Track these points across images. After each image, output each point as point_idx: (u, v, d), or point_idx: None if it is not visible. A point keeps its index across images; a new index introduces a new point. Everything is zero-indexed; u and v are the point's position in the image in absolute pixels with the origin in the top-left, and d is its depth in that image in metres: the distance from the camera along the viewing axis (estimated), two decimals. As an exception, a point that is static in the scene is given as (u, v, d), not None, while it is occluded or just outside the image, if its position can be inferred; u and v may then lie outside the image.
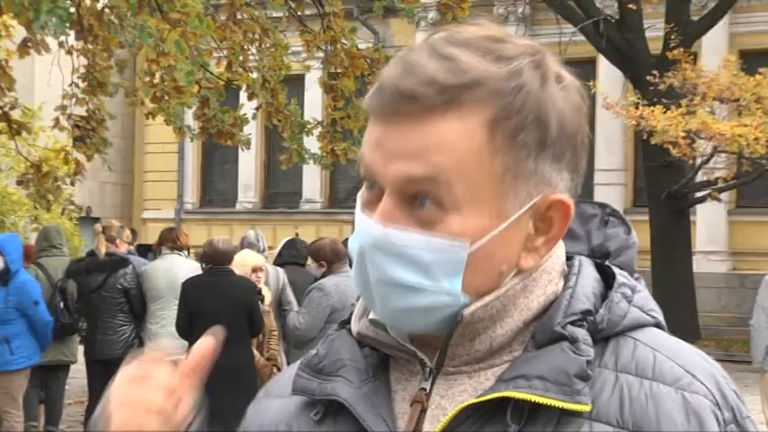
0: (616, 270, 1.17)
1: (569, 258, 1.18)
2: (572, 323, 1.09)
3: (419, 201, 1.06)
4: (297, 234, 12.00)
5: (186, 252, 8.64)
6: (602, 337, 1.10)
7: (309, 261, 8.40)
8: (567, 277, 1.15)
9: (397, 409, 1.13)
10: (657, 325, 1.15)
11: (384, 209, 1.07)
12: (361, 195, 1.12)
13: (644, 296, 1.16)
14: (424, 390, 1.12)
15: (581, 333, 1.08)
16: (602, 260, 1.19)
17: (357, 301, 1.21)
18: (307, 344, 7.13)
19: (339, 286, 7.08)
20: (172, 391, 1.11)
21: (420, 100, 1.04)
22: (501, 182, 1.06)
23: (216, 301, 7.12)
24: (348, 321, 1.21)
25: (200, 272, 7.71)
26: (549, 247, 1.12)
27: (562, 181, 1.10)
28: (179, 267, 7.83)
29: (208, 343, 1.14)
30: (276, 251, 8.83)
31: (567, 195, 1.11)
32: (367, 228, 1.08)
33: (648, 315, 1.14)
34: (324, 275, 7.36)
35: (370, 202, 1.09)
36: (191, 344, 6.05)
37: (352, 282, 1.14)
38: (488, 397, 1.06)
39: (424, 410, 1.11)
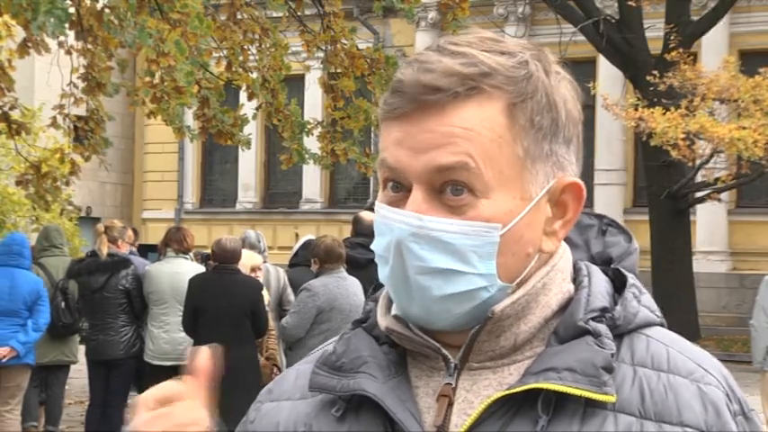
0: (625, 272, 1.22)
1: (573, 264, 1.22)
2: (593, 319, 1.13)
3: (450, 189, 1.10)
4: (297, 234, 12.01)
5: (191, 254, 8.60)
6: (617, 334, 1.15)
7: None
8: (575, 280, 1.20)
9: (421, 404, 1.15)
10: (662, 324, 1.20)
11: (415, 201, 1.11)
12: (382, 198, 1.15)
13: (649, 298, 1.21)
14: (450, 384, 1.15)
15: (603, 328, 1.13)
16: (605, 266, 1.24)
17: (368, 299, 1.25)
18: (298, 343, 7.14)
19: (328, 287, 7.00)
20: (195, 421, 1.11)
21: (444, 90, 1.09)
22: (523, 165, 1.12)
23: (220, 299, 7.14)
24: (362, 321, 1.24)
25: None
26: (566, 231, 1.17)
27: (572, 165, 1.16)
28: (185, 273, 7.73)
29: (206, 356, 1.15)
30: (293, 251, 8.75)
31: (578, 179, 1.17)
32: (402, 220, 1.11)
33: (655, 315, 1.19)
34: (317, 274, 7.32)
35: (397, 202, 1.13)
36: (195, 340, 6.07)
37: (383, 280, 1.16)
38: (520, 389, 1.09)
39: (450, 404, 1.14)
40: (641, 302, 1.18)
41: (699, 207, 17.52)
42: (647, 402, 1.10)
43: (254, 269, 7.69)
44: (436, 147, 1.09)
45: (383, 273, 1.15)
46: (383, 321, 1.19)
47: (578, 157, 1.18)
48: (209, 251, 8.41)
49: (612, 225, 1.29)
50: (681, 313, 15.90)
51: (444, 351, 1.15)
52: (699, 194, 16.52)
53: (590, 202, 16.52)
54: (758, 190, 18.58)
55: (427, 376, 1.17)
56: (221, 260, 7.28)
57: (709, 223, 18.81)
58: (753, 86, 14.63)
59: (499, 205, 1.10)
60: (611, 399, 1.08)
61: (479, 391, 1.14)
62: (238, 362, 7.04)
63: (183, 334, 7.66)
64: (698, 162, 15.62)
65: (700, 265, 17.69)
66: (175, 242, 8.23)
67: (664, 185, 16.10)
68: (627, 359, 1.13)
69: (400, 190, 1.13)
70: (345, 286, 7.01)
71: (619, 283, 1.21)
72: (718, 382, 1.13)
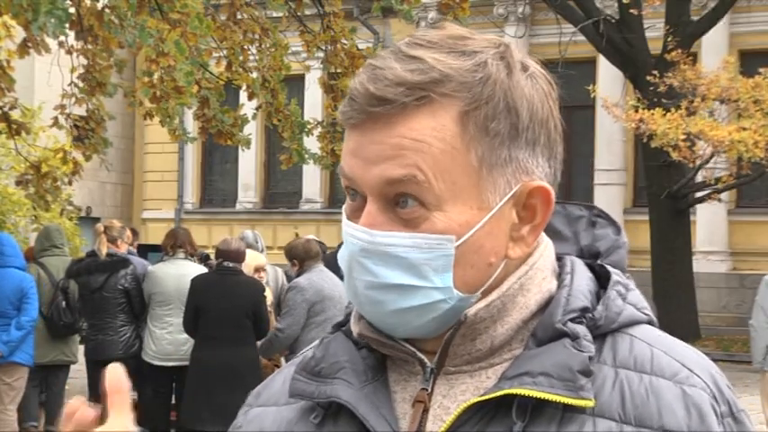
0: (610, 269, 1.18)
1: (559, 259, 1.19)
2: (572, 320, 1.10)
3: (401, 202, 1.07)
4: (297, 234, 12.01)
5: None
6: (599, 334, 1.11)
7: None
8: (560, 276, 1.16)
9: (398, 410, 1.13)
10: (650, 322, 1.16)
11: (369, 214, 1.08)
12: (345, 207, 1.13)
13: (636, 294, 1.17)
14: (426, 390, 1.12)
15: (581, 330, 1.09)
16: (593, 260, 1.20)
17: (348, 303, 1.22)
18: (295, 343, 7.18)
19: (312, 281, 7.22)
20: None
21: (391, 101, 1.06)
22: (478, 174, 1.08)
23: (222, 299, 7.15)
24: (342, 324, 1.22)
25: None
26: (536, 236, 1.13)
27: (539, 167, 1.11)
28: (190, 275, 7.71)
29: (115, 375, 1.10)
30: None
31: (546, 182, 1.12)
32: (353, 234, 1.09)
33: (642, 312, 1.15)
34: (298, 274, 7.43)
35: (355, 212, 1.11)
36: (196, 340, 6.10)
37: (344, 290, 1.15)
38: (493, 395, 1.06)
39: (426, 410, 1.11)
40: (627, 300, 1.15)
41: (699, 207, 17.52)
42: (628, 406, 1.06)
43: (257, 269, 7.71)
44: (385, 159, 1.06)
45: (344, 283, 1.14)
46: (356, 327, 1.17)
47: (552, 155, 1.13)
48: (208, 251, 8.40)
49: (602, 216, 1.25)
50: (681, 313, 15.91)
51: (420, 355, 1.12)
52: (699, 194, 16.51)
53: (590, 202, 16.45)
54: (758, 190, 18.57)
55: (405, 381, 1.15)
56: (225, 258, 7.29)
57: (709, 223, 18.81)
58: (753, 87, 14.63)
59: (453, 217, 1.07)
60: (587, 404, 1.05)
61: (456, 396, 1.11)
62: (239, 362, 7.05)
63: (186, 335, 7.67)
64: (698, 162, 15.62)
65: (700, 265, 17.68)
66: (188, 244, 8.25)
67: (664, 185, 16.10)
68: (609, 360, 1.10)
69: (357, 198, 1.11)
70: (330, 277, 7.23)
71: (605, 280, 1.17)
72: (704, 383, 1.09)
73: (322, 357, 1.17)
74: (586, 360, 1.06)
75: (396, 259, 1.07)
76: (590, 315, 1.11)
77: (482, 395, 1.08)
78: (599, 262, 1.20)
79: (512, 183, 1.10)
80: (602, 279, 1.17)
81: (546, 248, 1.17)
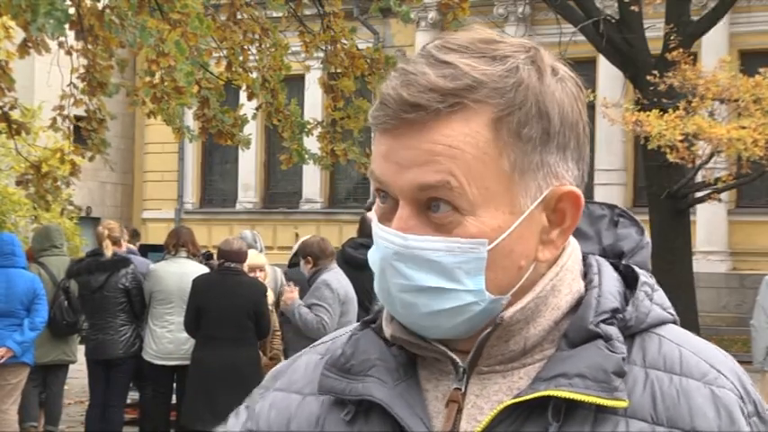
0: (637, 269, 1.19)
1: (584, 258, 1.20)
2: (603, 321, 1.11)
3: (434, 206, 1.08)
4: (297, 234, 12.01)
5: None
6: (628, 335, 1.13)
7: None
8: (586, 276, 1.17)
9: (430, 409, 1.14)
10: (675, 322, 1.19)
11: (401, 218, 1.09)
12: (375, 209, 1.14)
13: (661, 294, 1.19)
14: (459, 389, 1.13)
15: (614, 331, 1.11)
16: (617, 260, 1.22)
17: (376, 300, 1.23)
18: (298, 344, 7.12)
19: (341, 281, 7.15)
20: None
21: (424, 107, 1.06)
22: (510, 179, 1.09)
23: (223, 300, 7.15)
24: (372, 321, 1.22)
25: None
26: (565, 239, 1.15)
27: (569, 171, 1.13)
28: (192, 274, 7.72)
29: None
30: (293, 250, 8.74)
31: (576, 186, 1.13)
32: (386, 238, 1.10)
33: (667, 312, 1.18)
34: (316, 273, 7.31)
35: (386, 215, 1.12)
36: (197, 340, 6.09)
37: (375, 291, 1.16)
38: (531, 396, 1.08)
39: (460, 410, 1.12)
40: (653, 300, 1.16)
41: (699, 207, 17.52)
42: (659, 407, 1.08)
43: (253, 269, 7.69)
44: (419, 164, 1.07)
45: (375, 284, 1.14)
46: (388, 329, 1.17)
47: (581, 157, 1.14)
48: (210, 251, 8.40)
49: (624, 216, 1.26)
50: (681, 313, 15.48)
51: (452, 355, 1.13)
52: (699, 194, 16.51)
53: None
54: (758, 190, 18.57)
55: (437, 380, 1.16)
56: (227, 259, 7.29)
57: (709, 223, 18.81)
58: (753, 86, 14.63)
59: (486, 222, 1.08)
60: (622, 404, 1.06)
61: (489, 396, 1.12)
62: (240, 362, 7.06)
63: (187, 334, 7.67)
64: (698, 162, 15.61)
65: (700, 265, 17.68)
66: (191, 244, 8.26)
67: (664, 185, 16.09)
68: (638, 361, 1.12)
69: (389, 201, 1.11)
70: (347, 278, 7.12)
71: (630, 279, 1.18)
72: (732, 384, 1.11)
73: (352, 354, 1.18)
74: (620, 361, 1.08)
75: (429, 263, 1.08)
76: (620, 316, 1.12)
77: (517, 396, 1.09)
78: (624, 262, 1.21)
79: (542, 187, 1.10)
80: (626, 279, 1.19)
81: (573, 250, 1.18)
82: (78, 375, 9.82)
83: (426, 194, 1.08)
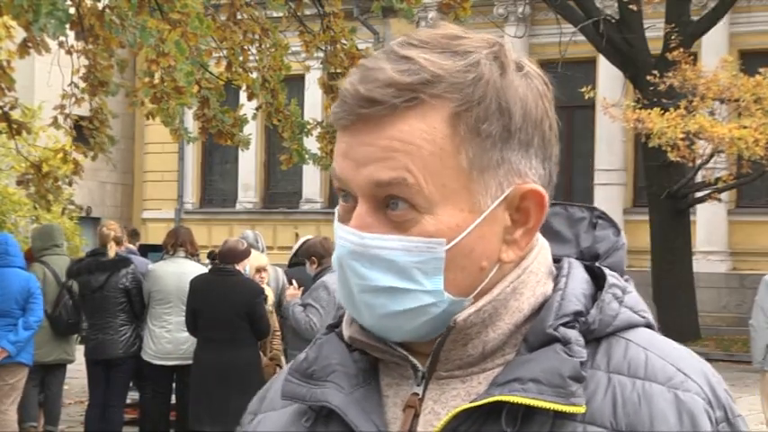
0: (606, 271, 1.16)
1: (558, 261, 1.17)
2: (564, 325, 1.08)
3: (392, 204, 1.06)
4: (297, 234, 12.01)
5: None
6: (593, 338, 1.09)
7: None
8: (556, 279, 1.14)
9: (389, 415, 1.12)
10: (648, 325, 1.14)
11: (358, 216, 1.07)
12: (337, 209, 1.12)
13: (634, 297, 1.15)
14: (417, 395, 1.11)
15: (573, 334, 1.07)
16: (592, 262, 1.18)
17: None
18: (300, 345, 7.11)
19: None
20: None
21: (380, 102, 1.04)
22: (469, 176, 1.06)
23: (217, 301, 7.14)
24: (336, 325, 1.20)
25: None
26: (529, 239, 1.11)
27: (532, 170, 1.09)
28: (191, 274, 7.74)
29: None
30: (293, 250, 8.73)
31: (540, 185, 1.10)
32: (344, 237, 1.08)
33: (639, 315, 1.13)
34: (319, 273, 7.34)
35: (347, 214, 1.10)
36: (197, 340, 6.09)
37: (337, 291, 1.14)
38: (483, 401, 1.05)
39: (417, 415, 1.10)
40: (623, 303, 1.12)
41: (699, 207, 17.53)
42: (620, 412, 1.04)
43: (258, 270, 7.70)
44: (375, 161, 1.05)
45: (337, 286, 1.13)
46: (347, 330, 1.15)
47: (547, 156, 1.11)
48: (215, 251, 8.38)
49: (603, 218, 1.22)
50: (681, 313, 15.91)
51: (412, 359, 1.11)
52: (699, 194, 16.52)
53: (590, 202, 16.50)
54: (758, 190, 18.58)
55: (397, 385, 1.13)
56: (221, 259, 7.30)
57: (709, 223, 18.81)
58: (754, 85, 14.64)
59: (444, 220, 1.05)
60: (578, 410, 1.03)
61: (447, 401, 1.09)
62: (237, 364, 7.04)
63: (186, 334, 7.68)
64: (698, 162, 15.62)
65: (700, 265, 17.69)
66: (189, 244, 8.26)
67: (664, 185, 16.11)
68: (603, 365, 1.08)
69: (350, 200, 1.09)
70: None
71: (604, 282, 1.15)
72: (698, 388, 1.07)
73: (314, 359, 1.16)
74: (577, 365, 1.05)
75: (385, 262, 1.06)
76: (583, 319, 1.09)
77: (472, 401, 1.06)
78: (597, 264, 1.17)
79: (504, 185, 1.08)
80: (600, 281, 1.15)
81: (541, 251, 1.15)
82: (78, 375, 9.82)
83: (383, 191, 1.05)
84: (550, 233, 1.20)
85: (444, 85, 1.05)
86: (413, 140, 1.04)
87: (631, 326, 1.12)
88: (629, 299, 1.13)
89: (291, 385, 1.16)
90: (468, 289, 1.08)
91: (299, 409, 1.17)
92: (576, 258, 1.19)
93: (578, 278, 1.13)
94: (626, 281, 1.17)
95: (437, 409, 1.10)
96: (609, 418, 1.05)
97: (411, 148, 1.04)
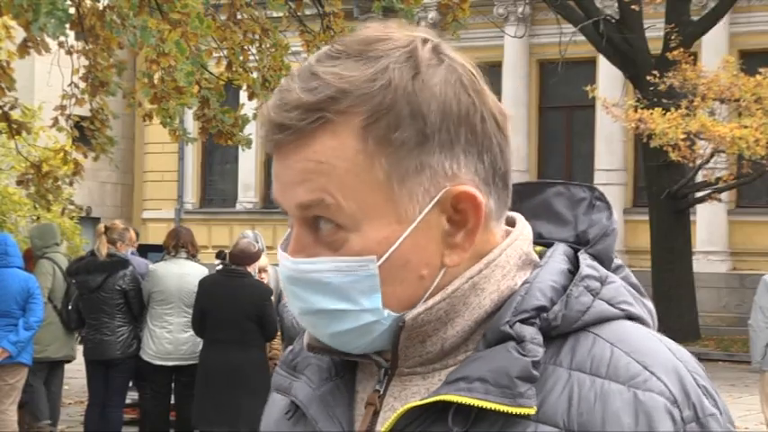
0: (584, 261, 1.10)
1: (550, 246, 1.13)
2: (523, 321, 1.03)
3: (321, 225, 1.05)
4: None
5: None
6: (558, 334, 1.05)
7: None
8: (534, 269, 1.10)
9: (356, 411, 1.11)
10: (630, 317, 1.08)
11: (295, 238, 1.07)
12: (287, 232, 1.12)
13: (614, 288, 1.09)
14: (378, 391, 1.09)
15: (529, 332, 1.03)
16: (582, 248, 1.13)
17: None
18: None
19: None
20: None
21: (288, 127, 1.03)
22: (389, 187, 1.03)
23: (226, 302, 7.15)
24: None
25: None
26: (472, 240, 1.06)
27: (462, 169, 1.05)
28: (192, 275, 7.75)
29: None
30: None
31: (477, 182, 1.06)
32: (281, 263, 1.08)
33: (616, 308, 1.07)
34: None
35: (289, 237, 1.09)
36: (203, 341, 6.09)
37: None
38: (429, 400, 1.03)
39: (377, 412, 1.08)
40: (598, 296, 1.06)
41: (699, 207, 17.54)
42: (573, 412, 1.00)
43: (259, 270, 7.71)
44: (295, 184, 1.04)
45: None
46: (306, 338, 1.14)
47: (483, 150, 1.06)
48: (223, 250, 8.39)
49: (600, 199, 1.17)
50: (681, 313, 15.92)
51: (375, 357, 1.09)
52: (699, 194, 16.53)
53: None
54: (758, 190, 18.59)
55: (366, 381, 1.12)
56: (232, 261, 7.31)
57: (709, 223, 18.82)
58: (755, 85, 14.65)
59: (371, 236, 1.03)
60: (526, 411, 1.00)
61: (406, 398, 1.07)
62: (243, 364, 7.04)
63: (187, 335, 7.67)
64: (698, 162, 15.63)
65: (700, 265, 17.70)
66: (190, 244, 8.26)
67: (664, 185, 16.12)
68: (565, 363, 1.03)
69: (291, 221, 1.08)
70: None
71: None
72: (663, 386, 1.00)
73: (299, 351, 1.17)
74: (528, 365, 1.00)
75: (320, 285, 1.05)
76: (544, 315, 1.04)
77: (419, 400, 1.04)
78: (582, 251, 1.12)
79: (431, 191, 1.04)
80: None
81: (515, 242, 1.10)
82: (78, 375, 9.82)
83: (308, 213, 1.05)
84: (551, 214, 1.17)
85: (351, 98, 1.02)
86: (326, 160, 1.02)
87: (605, 319, 1.06)
88: (607, 290, 1.08)
89: (278, 377, 1.18)
90: (412, 299, 1.05)
91: (287, 402, 1.18)
92: (573, 242, 1.15)
93: (552, 270, 1.08)
94: (618, 268, 1.13)
95: (396, 405, 1.08)
96: (562, 416, 1.01)
97: (326, 167, 1.03)
